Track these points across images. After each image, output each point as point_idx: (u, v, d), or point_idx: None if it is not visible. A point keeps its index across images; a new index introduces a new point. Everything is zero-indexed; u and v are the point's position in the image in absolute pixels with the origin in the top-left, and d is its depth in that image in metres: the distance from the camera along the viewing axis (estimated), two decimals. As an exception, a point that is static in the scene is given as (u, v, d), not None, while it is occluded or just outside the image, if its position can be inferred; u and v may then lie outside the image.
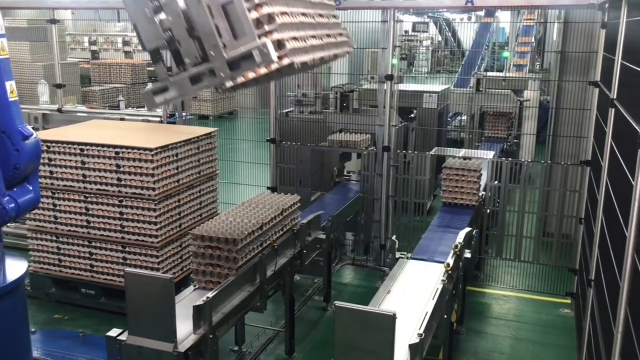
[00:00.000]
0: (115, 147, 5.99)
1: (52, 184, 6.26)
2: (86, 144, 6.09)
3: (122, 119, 8.29)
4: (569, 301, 6.85)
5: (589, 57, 6.85)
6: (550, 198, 7.07)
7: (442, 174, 6.90)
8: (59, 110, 8.82)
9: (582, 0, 6.14)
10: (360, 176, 7.95)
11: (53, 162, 6.21)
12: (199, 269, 4.66)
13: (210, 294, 4.19)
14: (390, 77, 6.96)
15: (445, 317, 4.78)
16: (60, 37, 11.30)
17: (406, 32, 30.13)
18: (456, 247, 5.07)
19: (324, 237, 6.13)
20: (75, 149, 6.12)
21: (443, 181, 6.82)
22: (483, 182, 7.11)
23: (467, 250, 5.39)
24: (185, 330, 4.01)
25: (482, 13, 20.88)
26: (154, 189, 5.93)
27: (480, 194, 6.91)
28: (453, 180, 6.78)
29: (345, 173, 9.17)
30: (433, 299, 4.42)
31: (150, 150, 5.87)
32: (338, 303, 3.56)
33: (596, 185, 5.49)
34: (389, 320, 3.42)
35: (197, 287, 4.67)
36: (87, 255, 6.33)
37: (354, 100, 9.26)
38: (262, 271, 4.86)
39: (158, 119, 8.14)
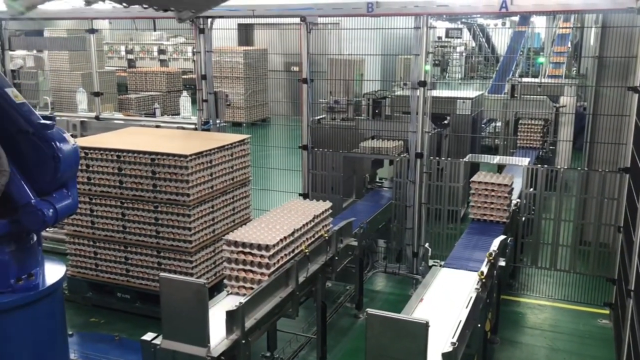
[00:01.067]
0: (150, 153, 6.09)
1: (90, 190, 6.39)
2: (122, 151, 6.21)
3: (157, 126, 8.44)
4: (607, 311, 6.68)
5: (627, 61, 6.70)
6: (587, 205, 6.92)
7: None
8: (97, 118, 9.02)
9: (620, 4, 6.01)
10: (392, 183, 7.91)
11: (90, 168, 6.35)
12: (232, 274, 4.70)
13: (243, 299, 4.22)
14: (423, 83, 6.92)
15: (479, 325, 4.72)
16: (98, 46, 11.58)
17: (439, 38, 29.94)
18: (490, 254, 5.01)
19: (355, 243, 6.12)
20: (112, 155, 6.24)
21: (471, 196, 6.53)
22: (516, 191, 6.99)
23: (501, 258, 5.32)
24: (218, 335, 4.04)
25: (516, 18, 20.63)
26: (188, 195, 6.01)
27: (515, 202, 6.79)
28: (482, 195, 6.46)
29: (377, 180, 9.15)
30: (466, 307, 4.37)
31: (185, 156, 5.95)
32: (370, 310, 3.54)
33: (635, 193, 5.36)
34: (422, 328, 3.40)
35: (230, 292, 4.71)
36: (123, 260, 6.44)
37: (386, 107, 9.24)
38: (293, 277, 4.87)
39: (192, 126, 8.26)
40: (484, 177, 6.54)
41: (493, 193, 6.40)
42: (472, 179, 6.55)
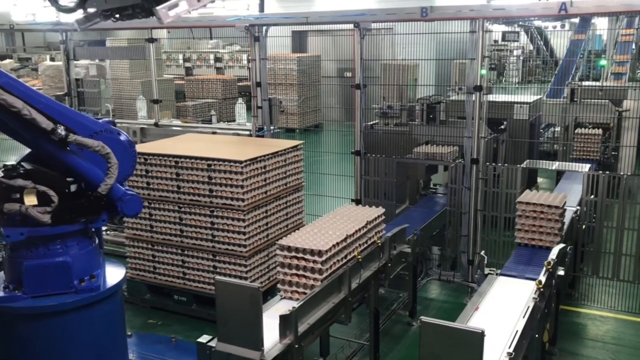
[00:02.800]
0: (207, 159, 6.22)
1: (149, 194, 6.57)
2: (180, 157, 6.36)
3: (213, 133, 8.61)
4: (674, 325, 6.39)
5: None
6: (653, 214, 6.64)
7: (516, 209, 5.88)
8: (156, 124, 9.27)
9: (688, 3, 5.76)
10: (446, 189, 7.80)
11: (150, 174, 6.53)
12: (285, 278, 4.74)
13: (296, 304, 4.24)
14: (478, 88, 6.81)
15: (537, 336, 4.59)
16: (157, 54, 11.90)
17: (495, 41, 29.37)
18: (549, 263, 4.87)
19: (409, 250, 6.06)
20: (170, 161, 6.41)
21: (517, 218, 5.82)
22: (576, 198, 6.76)
23: (560, 267, 5.16)
24: (271, 339, 4.08)
25: (576, 20, 20.01)
26: (243, 200, 6.10)
27: (575, 209, 6.57)
28: (529, 218, 5.72)
29: (431, 185, 9.04)
30: (523, 317, 4.26)
31: (240, 162, 6.04)
32: (424, 318, 3.50)
33: None
34: (477, 337, 3.33)
35: (283, 296, 4.75)
36: (180, 263, 6.59)
37: (441, 112, 9.13)
38: (346, 283, 4.87)
39: (247, 132, 8.38)
40: (532, 197, 5.81)
41: (542, 215, 5.66)
42: (518, 200, 5.87)
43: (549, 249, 5.55)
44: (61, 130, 3.41)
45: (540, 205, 5.67)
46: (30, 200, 3.51)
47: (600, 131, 9.86)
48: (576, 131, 10.01)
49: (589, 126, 10.42)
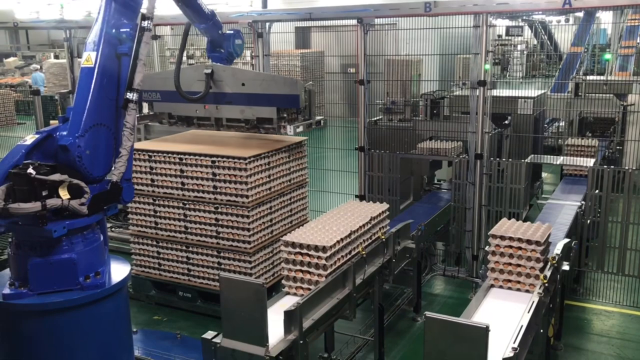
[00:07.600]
0: (211, 156, 6.23)
1: (153, 191, 6.59)
2: (184, 153, 6.37)
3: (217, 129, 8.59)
4: (680, 319, 6.37)
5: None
6: (658, 208, 6.61)
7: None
8: (160, 121, 9.26)
9: (693, -3, 5.72)
10: (451, 184, 7.79)
11: (154, 171, 6.54)
12: (290, 274, 4.75)
13: (301, 300, 4.25)
14: (482, 83, 6.79)
15: (542, 331, 4.59)
16: (161, 51, 11.91)
17: (499, 36, 29.26)
18: (553, 258, 4.86)
19: (413, 246, 6.06)
20: (174, 158, 6.42)
21: (490, 255, 4.79)
22: (579, 195, 6.74)
23: (565, 262, 5.15)
24: (276, 334, 4.09)
25: (580, 14, 19.92)
26: (247, 196, 6.10)
27: (579, 204, 6.55)
28: (505, 255, 4.71)
29: (436, 181, 9.03)
30: (528, 312, 4.26)
31: (244, 158, 6.05)
32: (428, 313, 3.50)
33: None
34: (482, 332, 3.33)
35: (288, 292, 4.76)
36: (185, 260, 6.61)
37: (445, 107, 9.11)
38: (350, 279, 4.87)
39: (251, 129, 8.36)
40: (508, 230, 4.77)
41: (520, 253, 4.67)
42: (491, 232, 4.82)
43: (528, 294, 4.65)
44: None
45: (517, 240, 4.68)
46: (64, 194, 3.58)
47: (595, 142, 8.70)
48: (567, 142, 8.96)
49: (590, 118, 10.32)
